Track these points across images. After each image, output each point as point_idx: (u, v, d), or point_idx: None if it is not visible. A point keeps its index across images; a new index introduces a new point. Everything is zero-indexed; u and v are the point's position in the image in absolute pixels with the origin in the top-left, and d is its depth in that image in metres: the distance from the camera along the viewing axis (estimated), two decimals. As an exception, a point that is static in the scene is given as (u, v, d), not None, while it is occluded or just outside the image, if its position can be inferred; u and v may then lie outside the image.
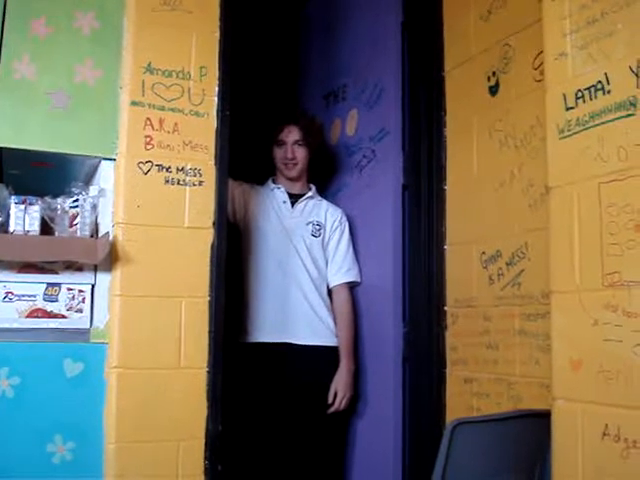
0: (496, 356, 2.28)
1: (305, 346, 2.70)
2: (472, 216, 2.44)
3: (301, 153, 2.83)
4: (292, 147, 2.82)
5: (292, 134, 2.83)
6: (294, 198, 2.84)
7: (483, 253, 2.37)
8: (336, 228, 2.84)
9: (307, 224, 2.79)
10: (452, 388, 2.47)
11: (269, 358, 2.69)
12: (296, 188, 2.87)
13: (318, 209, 2.85)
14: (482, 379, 2.33)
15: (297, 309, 2.70)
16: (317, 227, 2.80)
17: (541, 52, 1.92)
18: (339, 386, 2.71)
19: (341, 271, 2.81)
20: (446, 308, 2.53)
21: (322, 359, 2.72)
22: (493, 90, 2.36)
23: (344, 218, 2.87)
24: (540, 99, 1.86)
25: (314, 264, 2.76)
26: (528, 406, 2.10)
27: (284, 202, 2.83)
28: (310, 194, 2.86)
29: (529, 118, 2.17)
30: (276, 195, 2.85)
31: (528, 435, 1.85)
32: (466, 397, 2.39)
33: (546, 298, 1.85)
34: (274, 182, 2.90)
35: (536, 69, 2.14)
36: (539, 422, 1.79)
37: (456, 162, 2.54)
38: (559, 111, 1.72)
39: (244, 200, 2.80)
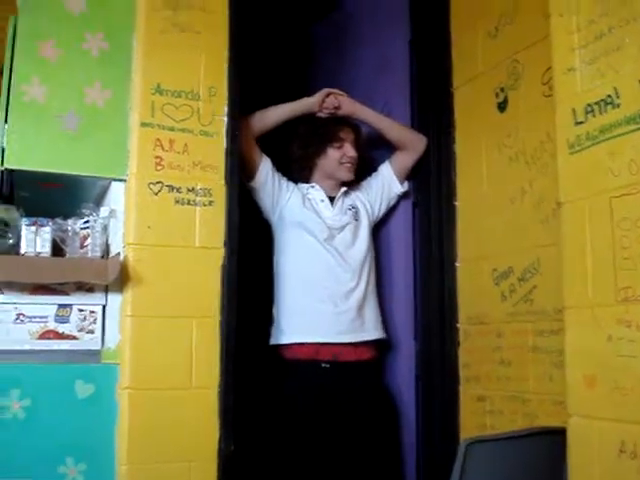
0: (509, 373, 2.26)
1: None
2: (483, 232, 2.43)
3: (356, 155, 2.66)
4: (352, 146, 2.65)
5: (350, 134, 2.67)
6: (330, 199, 2.67)
7: (495, 269, 2.35)
8: (364, 188, 2.75)
9: (346, 215, 2.65)
10: (465, 406, 2.45)
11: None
12: (331, 190, 2.69)
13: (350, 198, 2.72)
14: (495, 396, 2.31)
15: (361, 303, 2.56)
16: (354, 210, 2.67)
17: (549, 68, 1.92)
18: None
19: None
20: (458, 325, 2.51)
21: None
22: (502, 106, 2.36)
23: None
24: (549, 114, 1.85)
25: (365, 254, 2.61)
26: (543, 423, 2.08)
27: (322, 200, 2.66)
28: (344, 189, 2.70)
29: (539, 134, 2.16)
30: (312, 194, 2.66)
31: (543, 453, 1.83)
32: (479, 415, 2.37)
33: (559, 314, 1.84)
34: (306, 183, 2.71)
35: (545, 84, 2.13)
36: (554, 439, 1.77)
37: (466, 179, 2.53)
38: (569, 126, 1.72)
39: (278, 189, 2.61)
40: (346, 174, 2.67)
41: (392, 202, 2.76)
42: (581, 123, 1.69)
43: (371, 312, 2.59)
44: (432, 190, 2.64)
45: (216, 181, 2.20)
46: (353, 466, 2.44)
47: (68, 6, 2.14)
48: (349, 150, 2.65)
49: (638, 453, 1.48)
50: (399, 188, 2.73)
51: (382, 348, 2.67)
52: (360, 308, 2.54)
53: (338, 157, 2.65)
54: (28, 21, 2.10)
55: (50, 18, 2.12)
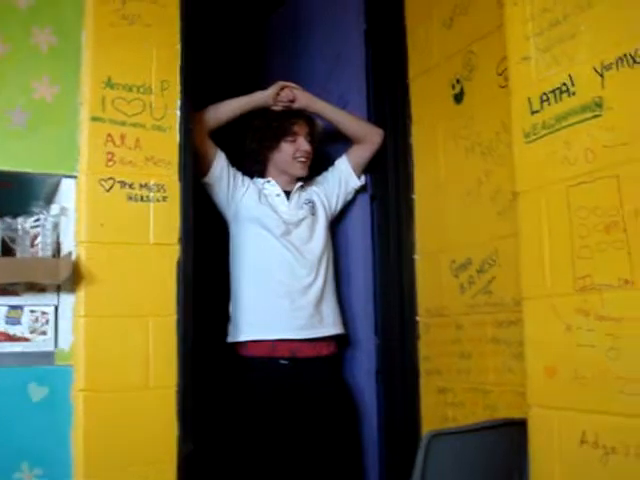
0: (469, 365, 2.26)
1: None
2: (441, 225, 2.43)
3: (310, 149, 2.63)
4: (306, 140, 2.61)
5: (304, 127, 2.63)
6: (285, 193, 2.63)
7: (453, 261, 2.35)
8: (321, 182, 2.73)
9: (302, 209, 2.61)
10: (427, 399, 2.44)
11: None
12: (287, 185, 2.65)
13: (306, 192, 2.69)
14: (456, 389, 2.31)
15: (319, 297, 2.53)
16: (311, 204, 2.63)
17: (504, 58, 1.92)
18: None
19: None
20: (418, 318, 2.50)
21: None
22: (458, 98, 2.35)
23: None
24: (505, 105, 1.86)
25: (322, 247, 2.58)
26: (504, 415, 2.08)
27: (278, 195, 2.62)
28: (300, 183, 2.66)
29: (494, 124, 2.16)
30: (268, 189, 2.62)
31: (505, 444, 1.83)
32: (441, 408, 2.36)
33: (518, 305, 1.84)
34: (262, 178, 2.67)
35: (500, 75, 2.13)
36: (516, 431, 1.78)
37: (423, 171, 2.52)
38: (524, 115, 1.72)
39: (233, 184, 2.56)
40: (300, 169, 2.64)
41: (349, 196, 2.74)
42: (537, 112, 1.69)
43: (329, 307, 2.57)
44: (389, 183, 2.62)
45: (170, 176, 2.15)
46: (315, 463, 2.43)
47: (15, 0, 2.07)
48: (303, 144, 2.61)
49: (600, 442, 1.48)
50: (356, 182, 2.71)
51: (341, 343, 2.65)
52: (318, 303, 2.52)
53: (292, 152, 2.61)
54: (-28, 15, 2.03)
55: (-5, 12, 2.05)
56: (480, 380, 2.22)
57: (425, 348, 2.47)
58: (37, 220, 2.06)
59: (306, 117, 2.65)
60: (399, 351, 2.53)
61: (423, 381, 2.47)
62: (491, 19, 2.15)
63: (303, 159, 2.62)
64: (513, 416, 1.94)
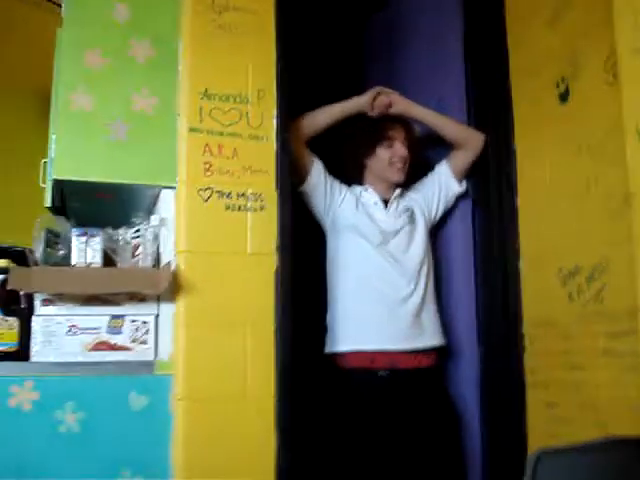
0: (579, 378, 2.13)
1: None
2: (547, 230, 2.31)
3: (407, 154, 2.56)
4: (403, 145, 2.55)
5: (400, 132, 2.57)
6: (383, 202, 2.58)
7: (561, 269, 2.23)
8: (420, 189, 2.65)
9: (400, 218, 2.55)
10: (533, 414, 2.33)
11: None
12: (385, 192, 2.59)
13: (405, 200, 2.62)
14: (565, 404, 2.19)
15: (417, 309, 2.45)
16: (410, 213, 2.56)
17: (613, 52, 1.81)
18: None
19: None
20: (523, 328, 2.39)
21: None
22: (563, 97, 2.23)
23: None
24: (615, 102, 1.75)
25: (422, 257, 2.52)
26: (616, 432, 1.95)
27: (375, 203, 2.56)
28: (398, 191, 2.60)
29: (604, 123, 2.03)
30: (365, 197, 2.57)
31: (619, 465, 1.71)
32: (548, 423, 2.25)
33: (632, 315, 1.74)
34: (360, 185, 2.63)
35: (608, 71, 2.01)
36: (631, 450, 1.66)
37: (527, 174, 2.42)
38: (637, 111, 1.61)
39: (330, 192, 2.53)
40: (396, 175, 2.57)
41: (450, 203, 2.66)
42: (651, 108, 1.58)
43: (429, 317, 2.49)
44: (492, 188, 2.52)
45: (267, 185, 2.14)
46: (416, 477, 2.35)
47: (113, 14, 2.12)
48: (399, 149, 2.55)
49: None
50: (457, 188, 2.63)
51: (443, 355, 2.57)
52: (418, 314, 2.45)
53: (388, 157, 2.55)
54: (73, 31, 2.09)
55: (95, 27, 2.10)
56: (591, 395, 2.09)
57: (531, 360, 2.36)
58: (138, 231, 2.09)
59: (402, 122, 2.59)
60: (504, 362, 2.43)
61: (529, 395, 2.35)
62: (597, 13, 2.03)
63: (400, 165, 2.56)
64: (627, 434, 1.82)
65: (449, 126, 2.59)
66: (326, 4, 3.24)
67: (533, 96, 2.38)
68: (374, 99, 2.56)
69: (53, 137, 2.06)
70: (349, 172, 2.62)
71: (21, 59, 2.95)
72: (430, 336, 2.47)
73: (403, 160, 2.55)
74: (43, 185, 2.35)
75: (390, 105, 2.57)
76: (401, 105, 2.58)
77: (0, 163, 2.91)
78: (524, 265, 2.42)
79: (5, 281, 1.93)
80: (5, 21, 2.97)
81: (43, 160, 2.35)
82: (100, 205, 2.28)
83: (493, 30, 2.54)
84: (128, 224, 2.11)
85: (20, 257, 2.11)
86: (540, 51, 2.35)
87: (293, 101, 2.26)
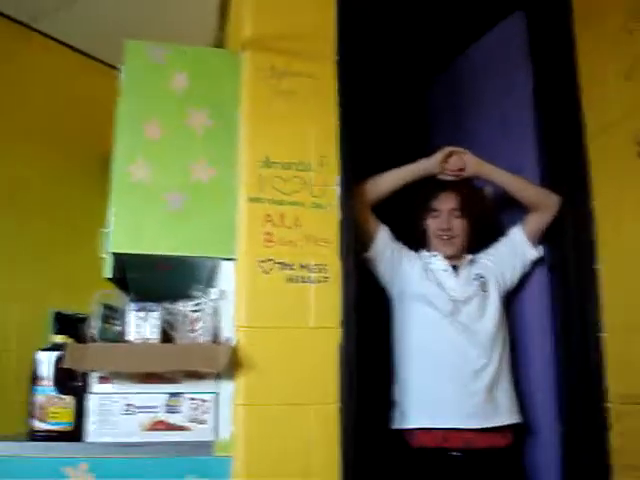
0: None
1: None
2: (632, 298, 2.15)
3: (459, 224, 2.46)
4: (449, 217, 2.46)
5: (448, 202, 2.47)
6: (453, 268, 2.47)
7: (649, 340, 2.06)
8: (493, 254, 2.52)
9: (472, 286, 2.43)
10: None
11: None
12: (455, 259, 2.48)
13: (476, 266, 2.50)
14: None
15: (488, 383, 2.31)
16: (482, 280, 2.45)
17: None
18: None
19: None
20: (609, 404, 2.21)
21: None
22: (643, 154, 2.10)
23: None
24: None
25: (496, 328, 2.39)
26: None
27: (445, 270, 2.45)
28: (470, 257, 2.49)
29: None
30: (434, 263, 2.46)
31: None
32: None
33: None
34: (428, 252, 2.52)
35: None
36: None
37: (608, 238, 2.26)
38: None
39: (398, 258, 2.44)
40: (443, 247, 2.47)
41: (526, 269, 2.51)
42: None
43: (504, 393, 2.33)
44: (569, 253, 2.38)
45: (330, 256, 2.05)
46: None
47: (171, 84, 2.09)
48: (443, 221, 2.45)
49: None
50: (533, 253, 2.48)
51: (519, 433, 2.39)
52: (492, 388, 2.29)
53: (433, 228, 2.48)
54: (131, 101, 2.07)
55: (153, 97, 2.08)
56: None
57: (619, 439, 2.17)
58: (197, 304, 2.01)
59: (453, 189, 2.48)
60: (586, 442, 2.25)
61: (617, 478, 2.16)
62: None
63: (445, 237, 2.46)
64: None
65: (524, 188, 2.45)
66: (388, 66, 3.18)
67: (611, 154, 2.25)
68: (445, 161, 2.45)
69: (112, 210, 2.01)
70: (412, 236, 2.51)
71: (85, 125, 2.96)
72: (505, 413, 2.31)
73: (447, 232, 2.46)
74: (103, 256, 2.31)
75: (463, 168, 2.46)
76: (473, 166, 2.46)
77: (63, 231, 2.90)
78: (608, 335, 2.25)
79: (61, 358, 1.87)
80: (69, 87, 2.99)
81: (103, 230, 2.32)
82: (160, 277, 2.23)
83: (565, 85, 2.43)
84: (187, 297, 2.04)
85: (81, 324, 2.07)
86: (617, 105, 2.22)
87: (356, 167, 2.17)
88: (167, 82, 2.09)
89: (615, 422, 2.19)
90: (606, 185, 2.29)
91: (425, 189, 2.48)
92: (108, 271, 2.19)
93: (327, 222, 2.07)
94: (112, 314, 2.01)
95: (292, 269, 2.02)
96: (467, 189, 2.50)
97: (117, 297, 2.11)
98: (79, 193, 2.94)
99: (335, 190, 2.10)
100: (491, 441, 2.27)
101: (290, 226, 2.04)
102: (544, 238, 2.49)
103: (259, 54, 2.14)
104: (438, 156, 2.45)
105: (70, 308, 2.30)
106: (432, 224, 2.48)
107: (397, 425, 2.34)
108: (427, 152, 2.49)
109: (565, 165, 2.43)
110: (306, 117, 2.12)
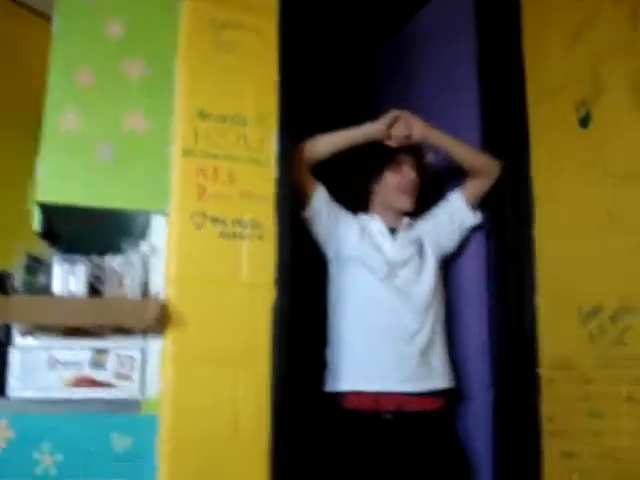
0: (600, 427, 1.98)
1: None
2: (567, 265, 2.17)
3: (417, 180, 2.42)
4: (412, 170, 2.41)
5: (409, 157, 2.42)
6: (390, 231, 2.43)
7: (581, 307, 2.08)
8: (431, 219, 2.49)
9: (408, 249, 2.40)
10: (549, 463, 2.16)
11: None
12: (392, 221, 2.44)
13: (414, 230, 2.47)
14: (584, 453, 2.03)
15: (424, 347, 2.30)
16: (419, 244, 2.41)
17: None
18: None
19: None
20: (540, 370, 2.23)
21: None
22: (584, 122, 2.10)
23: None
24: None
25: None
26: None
27: (382, 233, 2.41)
28: (407, 220, 2.45)
29: (628, 151, 1.90)
30: (371, 226, 2.42)
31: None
32: (566, 474, 2.08)
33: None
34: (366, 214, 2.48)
35: (634, 93, 1.87)
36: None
37: (545, 205, 2.27)
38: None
39: (335, 220, 2.39)
40: (405, 202, 2.42)
41: (464, 234, 2.50)
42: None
43: (438, 357, 2.33)
44: (507, 219, 2.39)
45: (265, 213, 2.01)
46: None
47: (106, 30, 2.01)
48: (408, 173, 2.40)
49: None
50: (472, 219, 2.47)
51: (453, 398, 2.40)
52: (425, 353, 2.29)
53: (396, 182, 2.41)
54: (62, 46, 1.97)
55: (86, 43, 1.99)
56: (613, 445, 1.93)
57: (548, 405, 2.19)
58: (126, 259, 1.95)
59: (412, 147, 2.44)
60: (518, 408, 2.27)
61: (545, 443, 2.19)
62: (623, 30, 1.90)
63: (409, 190, 2.41)
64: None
65: (469, 154, 2.43)
66: (336, 25, 3.13)
67: (552, 121, 2.25)
68: (391, 125, 2.39)
69: (40, 158, 1.94)
70: (355, 200, 2.48)
71: (19, 80, 2.86)
72: (439, 378, 2.31)
73: (412, 185, 2.41)
74: (32, 209, 2.24)
75: (410, 136, 2.40)
76: (420, 133, 2.39)
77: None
78: (541, 302, 2.26)
79: (-19, 311, 1.80)
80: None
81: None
82: (89, 232, 2.15)
83: (509, 51, 2.42)
84: (116, 251, 1.98)
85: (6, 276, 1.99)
86: (559, 73, 2.23)
87: (296, 124, 2.13)
88: (102, 28, 2.01)
89: (546, 388, 2.21)
90: (545, 152, 2.30)
91: (384, 146, 2.42)
92: (37, 224, 2.13)
93: (263, 178, 2.03)
94: (37, 266, 1.94)
95: (225, 225, 1.97)
96: (418, 150, 2.48)
97: (44, 249, 2.03)
98: (14, 146, 2.83)
99: (272, 146, 2.05)
100: (423, 405, 2.26)
101: (224, 181, 1.99)
102: (482, 204, 2.49)
103: (199, 3, 2.07)
104: (384, 120, 2.38)
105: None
106: (393, 178, 2.42)
107: (329, 388, 2.32)
108: (373, 113, 2.44)
109: (506, 131, 2.43)
110: (246, 71, 2.07)
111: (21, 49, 2.73)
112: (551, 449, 2.16)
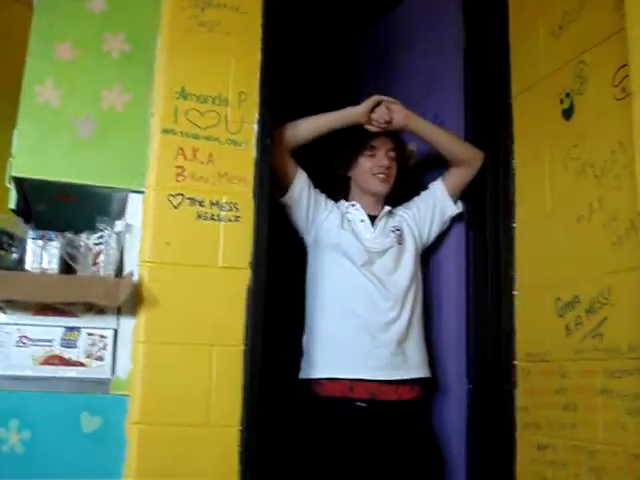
0: (574, 419, 1.97)
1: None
2: (545, 257, 2.16)
3: (394, 166, 2.39)
4: (386, 156, 2.39)
5: (387, 142, 2.39)
6: (371, 219, 2.41)
7: (558, 299, 2.07)
8: (412, 208, 2.47)
9: (388, 237, 2.38)
10: (523, 455, 2.15)
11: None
12: (373, 209, 2.42)
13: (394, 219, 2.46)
14: (558, 445, 2.02)
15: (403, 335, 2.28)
16: (399, 233, 2.39)
17: (622, 66, 1.67)
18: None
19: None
20: (516, 362, 2.23)
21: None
22: (567, 113, 2.09)
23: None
24: (623, 120, 1.60)
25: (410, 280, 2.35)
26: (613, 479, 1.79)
27: (362, 221, 2.39)
28: (388, 209, 2.43)
29: (610, 143, 1.89)
30: (352, 213, 2.40)
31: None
32: (539, 466, 2.07)
33: (635, 352, 1.59)
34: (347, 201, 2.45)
35: (617, 86, 1.86)
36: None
37: (526, 196, 2.26)
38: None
39: (314, 206, 2.36)
40: (378, 186, 2.39)
41: (445, 225, 2.49)
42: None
43: (414, 346, 2.31)
44: (488, 210, 2.37)
45: (243, 194, 1.99)
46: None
47: (88, 5, 1.99)
48: (381, 159, 2.38)
49: None
50: (453, 209, 2.46)
51: (428, 388, 2.38)
52: (401, 342, 2.27)
53: (369, 167, 2.38)
54: (44, 20, 1.96)
55: (67, 17, 1.97)
56: (586, 437, 1.92)
57: (523, 397, 2.19)
58: (100, 237, 1.93)
59: (391, 133, 2.42)
60: (493, 399, 2.26)
61: (519, 435, 2.18)
62: (607, 24, 1.90)
63: (382, 175, 2.38)
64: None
65: (451, 143, 2.42)
66: (322, 9, 3.11)
67: (535, 112, 2.25)
68: (372, 110, 2.37)
69: (16, 132, 1.91)
70: (335, 186, 2.45)
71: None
72: (414, 367, 2.29)
73: (385, 170, 2.38)
74: (9, 185, 2.20)
75: (390, 120, 2.38)
76: (402, 119, 2.38)
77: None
78: (519, 294, 2.26)
79: (-50, 284, 1.77)
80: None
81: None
82: (65, 209, 2.13)
83: (495, 42, 2.41)
84: (91, 229, 1.95)
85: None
86: (543, 64, 2.21)
87: (277, 107, 2.11)
88: (83, 2, 1.99)
89: (521, 380, 2.21)
90: (528, 143, 2.29)
91: (360, 131, 2.38)
92: (12, 201, 2.10)
93: (242, 160, 2.01)
94: (9, 241, 1.91)
95: (202, 205, 1.95)
96: (397, 136, 2.45)
97: (18, 225, 2.00)
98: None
99: (253, 128, 2.03)
100: (398, 394, 2.25)
101: (203, 161, 1.98)
102: (464, 195, 2.47)
103: (182, -19, 2.05)
104: (365, 105, 2.36)
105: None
106: (367, 163, 2.39)
107: (305, 375, 2.30)
108: (356, 101, 2.42)
109: (489, 121, 2.42)
110: (228, 51, 2.05)
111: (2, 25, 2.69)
112: (525, 441, 2.15)
